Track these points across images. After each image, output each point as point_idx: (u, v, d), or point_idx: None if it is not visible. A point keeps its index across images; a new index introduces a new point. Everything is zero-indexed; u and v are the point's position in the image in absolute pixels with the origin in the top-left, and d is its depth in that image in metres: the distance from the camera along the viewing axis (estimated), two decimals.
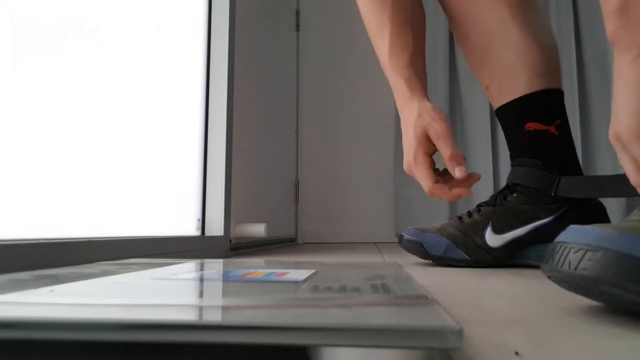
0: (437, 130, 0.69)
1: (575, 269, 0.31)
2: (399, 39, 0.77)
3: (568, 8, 1.99)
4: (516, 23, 0.75)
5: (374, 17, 0.81)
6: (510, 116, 0.77)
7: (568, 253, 0.32)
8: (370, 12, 0.81)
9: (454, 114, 2.02)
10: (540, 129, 0.74)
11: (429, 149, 0.71)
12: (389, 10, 0.78)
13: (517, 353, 0.24)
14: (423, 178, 0.70)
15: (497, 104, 0.78)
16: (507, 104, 0.76)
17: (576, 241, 0.32)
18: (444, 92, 2.00)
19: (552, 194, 0.71)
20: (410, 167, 0.73)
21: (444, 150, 0.68)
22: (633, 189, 0.50)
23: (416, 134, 0.71)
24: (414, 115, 0.72)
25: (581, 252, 0.31)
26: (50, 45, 0.61)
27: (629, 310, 0.33)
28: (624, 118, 0.36)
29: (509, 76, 0.75)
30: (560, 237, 0.34)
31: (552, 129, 0.74)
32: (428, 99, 0.74)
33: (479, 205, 0.77)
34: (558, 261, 0.32)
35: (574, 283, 0.32)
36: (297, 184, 2.11)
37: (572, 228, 0.33)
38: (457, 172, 0.67)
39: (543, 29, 0.78)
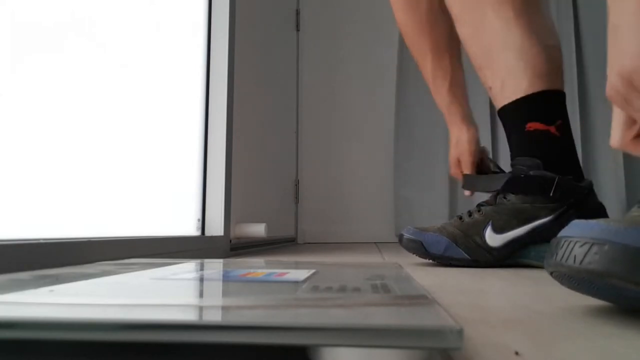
0: (465, 161, 0.88)
1: (581, 263, 0.30)
2: (439, 68, 0.91)
3: (568, 8, 1.99)
4: (519, 23, 0.75)
5: (416, 44, 0.92)
6: (512, 116, 0.77)
7: (573, 247, 0.31)
8: (412, 39, 0.93)
9: None
10: (540, 129, 0.74)
11: (460, 171, 0.90)
12: (427, 38, 0.89)
13: (517, 353, 0.24)
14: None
15: (499, 104, 0.78)
16: (509, 104, 0.76)
17: (581, 235, 0.31)
18: None
19: (551, 194, 0.71)
20: (454, 172, 0.92)
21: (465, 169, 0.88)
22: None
23: (452, 158, 0.91)
24: (453, 139, 0.91)
25: (587, 246, 0.30)
26: (50, 45, 0.61)
27: (632, 307, 0.33)
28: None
29: (511, 76, 0.75)
30: (564, 232, 0.33)
31: (552, 129, 0.74)
32: (464, 123, 0.90)
33: (479, 205, 0.77)
34: (563, 256, 0.31)
35: (579, 278, 0.31)
36: (297, 184, 2.11)
37: (576, 222, 0.32)
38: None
39: (547, 30, 0.78)
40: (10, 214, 0.54)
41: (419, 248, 0.77)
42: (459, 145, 0.89)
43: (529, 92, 0.74)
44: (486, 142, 1.98)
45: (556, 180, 0.71)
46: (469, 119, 0.91)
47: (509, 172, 0.76)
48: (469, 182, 0.85)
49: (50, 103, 0.60)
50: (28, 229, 0.55)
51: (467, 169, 0.87)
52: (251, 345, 0.20)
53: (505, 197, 0.75)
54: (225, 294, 0.29)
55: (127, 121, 0.77)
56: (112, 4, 0.73)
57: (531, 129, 0.75)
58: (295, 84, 2.13)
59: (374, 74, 2.16)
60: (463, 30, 0.81)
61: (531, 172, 0.73)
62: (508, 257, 0.73)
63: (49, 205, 0.59)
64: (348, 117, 2.15)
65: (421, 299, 0.25)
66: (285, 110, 1.91)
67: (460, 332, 0.18)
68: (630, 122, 0.42)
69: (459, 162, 0.90)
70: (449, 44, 0.89)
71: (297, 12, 2.19)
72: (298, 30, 2.19)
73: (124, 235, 0.72)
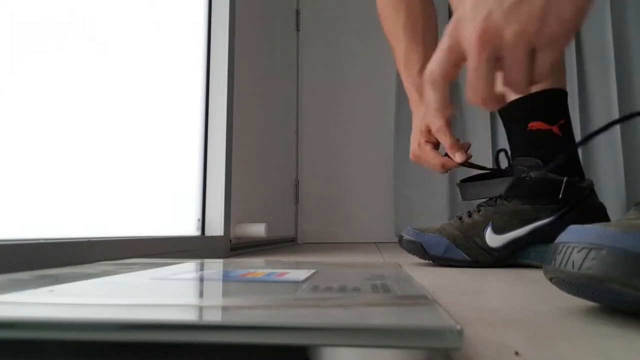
0: (437, 125, 0.77)
1: (580, 268, 0.30)
2: (411, 52, 0.87)
3: None
4: None
5: (391, 28, 0.91)
6: (514, 115, 0.76)
7: (571, 253, 0.31)
8: (387, 23, 0.92)
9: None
10: (543, 129, 0.74)
11: (430, 139, 0.82)
12: (402, 22, 0.88)
13: (517, 353, 0.24)
14: (431, 157, 0.81)
15: None
16: (511, 102, 0.76)
17: (579, 240, 0.31)
18: None
19: (560, 197, 0.70)
20: (416, 154, 0.84)
21: (444, 141, 0.77)
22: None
23: (420, 128, 0.83)
24: (421, 114, 0.84)
25: (585, 251, 0.30)
26: (50, 45, 0.61)
27: (631, 310, 0.33)
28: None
29: None
30: (562, 238, 0.33)
31: (555, 128, 0.74)
32: None
33: (479, 205, 0.77)
34: (561, 262, 0.31)
35: (578, 283, 0.31)
36: (297, 184, 2.11)
37: (573, 228, 0.32)
38: (458, 157, 0.75)
39: None
40: (10, 214, 0.54)
41: (419, 249, 0.76)
42: (429, 114, 0.79)
43: (533, 90, 0.74)
44: (486, 141, 1.98)
45: (564, 181, 0.71)
46: None
47: (510, 176, 0.75)
48: (467, 192, 0.79)
49: (51, 103, 0.60)
50: (28, 229, 0.55)
51: (441, 134, 0.76)
52: (251, 345, 0.20)
53: (506, 199, 0.75)
54: (225, 294, 0.29)
55: (127, 121, 0.77)
56: (112, 4, 0.73)
57: (533, 128, 0.74)
58: (295, 84, 2.13)
59: (374, 74, 2.16)
60: None
61: (532, 174, 0.72)
62: (508, 258, 0.73)
63: (49, 205, 0.59)
64: (348, 117, 2.15)
65: (421, 299, 0.25)
66: (285, 110, 1.91)
67: (460, 332, 0.18)
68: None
69: (429, 132, 0.80)
70: (424, 32, 0.87)
71: (297, 12, 2.19)
72: (298, 30, 2.19)
73: (124, 235, 0.72)
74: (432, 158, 0.82)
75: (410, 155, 0.85)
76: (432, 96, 0.71)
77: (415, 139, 0.84)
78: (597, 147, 1.94)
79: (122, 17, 0.76)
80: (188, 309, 0.22)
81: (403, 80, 0.90)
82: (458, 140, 0.78)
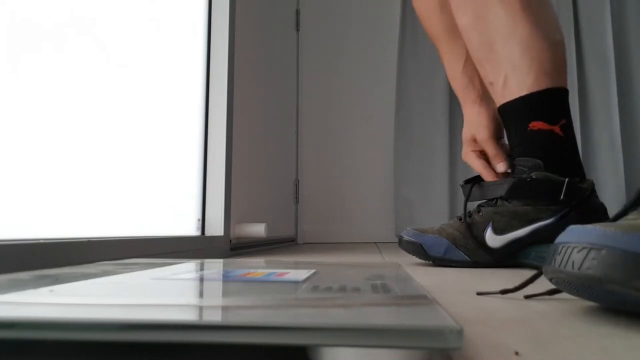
0: (481, 137, 0.85)
1: (580, 268, 0.30)
2: (451, 50, 0.92)
3: (568, 8, 1.99)
4: (526, 16, 0.73)
5: (429, 28, 0.95)
6: (515, 114, 0.75)
7: (571, 253, 0.31)
8: (425, 24, 0.96)
9: (453, 110, 2.02)
10: (544, 129, 0.73)
11: (477, 147, 0.87)
12: (439, 22, 0.92)
13: (517, 353, 0.24)
14: (475, 165, 0.87)
15: (500, 101, 0.77)
16: (512, 101, 0.75)
17: (578, 240, 0.31)
18: (443, 87, 2.00)
19: (561, 198, 0.70)
20: (466, 160, 0.90)
21: (488, 152, 0.84)
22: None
23: (465, 138, 0.89)
24: (466, 118, 0.90)
25: (584, 252, 0.30)
26: (49, 45, 0.61)
27: (631, 311, 0.33)
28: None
29: (515, 72, 0.74)
30: (561, 238, 0.33)
31: (556, 128, 0.73)
32: (480, 103, 0.89)
33: (479, 206, 0.77)
34: (561, 262, 0.31)
35: (578, 284, 0.31)
36: (297, 184, 2.11)
37: (573, 228, 0.32)
38: (500, 167, 0.81)
39: (552, 24, 0.76)
40: (10, 214, 0.53)
41: (419, 250, 0.76)
42: (471, 123, 0.87)
43: (534, 89, 0.73)
44: None
45: (565, 182, 0.70)
46: (486, 99, 0.88)
47: (512, 177, 0.75)
48: (471, 192, 0.82)
49: (51, 103, 0.60)
50: (28, 229, 0.55)
51: (486, 145, 0.84)
52: (251, 345, 0.20)
53: (506, 199, 0.74)
54: (225, 294, 0.29)
55: (127, 121, 0.77)
56: (112, 3, 0.73)
57: (534, 128, 0.73)
58: (295, 84, 2.13)
59: (374, 74, 2.16)
60: (463, 20, 0.79)
61: (533, 175, 0.72)
62: (508, 258, 0.73)
63: (49, 205, 0.59)
64: (348, 117, 2.15)
65: (421, 299, 0.25)
66: (285, 110, 1.91)
67: (460, 332, 0.18)
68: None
69: (474, 141, 0.87)
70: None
71: (297, 12, 2.19)
72: (298, 30, 2.19)
73: (124, 235, 0.72)
74: (475, 166, 0.87)
75: (462, 158, 0.91)
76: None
77: (464, 146, 0.90)
78: (597, 147, 1.94)
79: (122, 17, 0.76)
80: (188, 309, 0.22)
81: (449, 79, 0.94)
82: (502, 150, 0.83)
